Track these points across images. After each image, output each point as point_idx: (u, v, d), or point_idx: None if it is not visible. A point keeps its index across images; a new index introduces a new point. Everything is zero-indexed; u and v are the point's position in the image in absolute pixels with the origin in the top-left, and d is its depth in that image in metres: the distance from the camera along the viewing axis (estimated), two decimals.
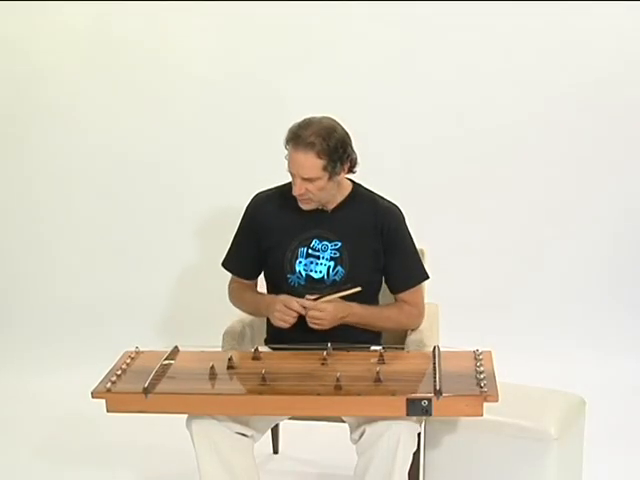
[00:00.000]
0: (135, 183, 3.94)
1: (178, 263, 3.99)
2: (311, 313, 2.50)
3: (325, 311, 2.50)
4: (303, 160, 2.47)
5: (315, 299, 2.53)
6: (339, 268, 2.59)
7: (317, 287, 2.59)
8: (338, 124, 2.54)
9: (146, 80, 3.85)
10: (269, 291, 2.74)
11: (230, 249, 2.77)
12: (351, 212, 2.63)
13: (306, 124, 2.49)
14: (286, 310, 2.51)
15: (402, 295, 2.67)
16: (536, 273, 3.93)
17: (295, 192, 2.53)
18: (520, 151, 3.83)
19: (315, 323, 2.51)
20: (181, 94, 3.85)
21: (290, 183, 2.62)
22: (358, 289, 2.54)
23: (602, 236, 3.89)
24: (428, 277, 2.74)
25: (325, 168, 2.49)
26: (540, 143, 3.81)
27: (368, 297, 2.63)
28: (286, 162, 2.54)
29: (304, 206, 2.58)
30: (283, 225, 2.63)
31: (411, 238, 2.68)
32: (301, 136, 2.46)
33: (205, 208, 3.90)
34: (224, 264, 2.78)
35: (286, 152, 2.54)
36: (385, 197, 2.69)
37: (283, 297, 2.54)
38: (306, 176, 2.49)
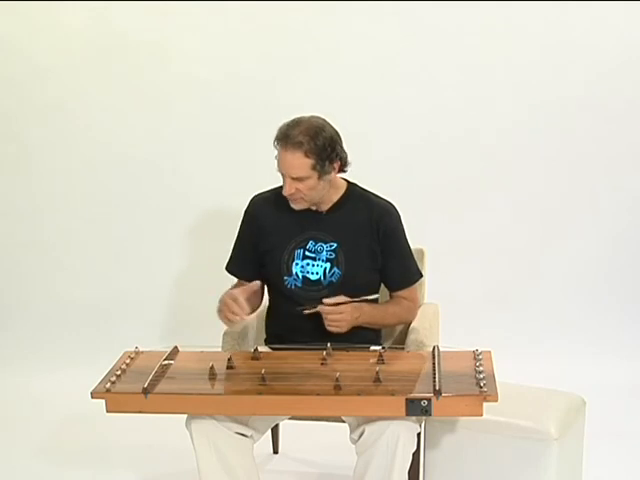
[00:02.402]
0: (135, 183, 3.94)
1: (178, 263, 3.99)
2: (332, 317, 2.49)
3: (345, 312, 2.49)
4: (291, 159, 2.47)
5: (334, 304, 2.50)
6: (335, 269, 2.59)
7: (314, 289, 2.59)
8: (327, 123, 2.54)
9: (146, 80, 3.85)
10: (269, 292, 2.74)
11: (232, 253, 2.76)
12: (346, 212, 2.62)
13: (295, 123, 2.49)
14: (227, 312, 2.46)
15: (400, 292, 2.69)
16: (536, 273, 3.93)
17: (285, 192, 2.53)
18: (520, 151, 3.83)
19: (335, 326, 2.49)
20: (181, 94, 3.84)
21: None
22: (377, 296, 2.55)
23: (602, 236, 3.89)
24: (422, 275, 2.76)
25: (314, 167, 2.49)
26: (540, 143, 3.81)
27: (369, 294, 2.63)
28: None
29: (295, 206, 2.58)
30: (280, 227, 2.63)
31: (406, 236, 2.68)
32: (289, 135, 2.46)
33: (205, 208, 3.90)
34: (228, 268, 2.76)
35: (276, 152, 2.54)
36: (380, 195, 2.69)
37: (226, 297, 2.47)
38: (295, 175, 2.49)
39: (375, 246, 2.62)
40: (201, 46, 3.79)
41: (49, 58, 3.85)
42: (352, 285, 2.57)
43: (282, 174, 2.53)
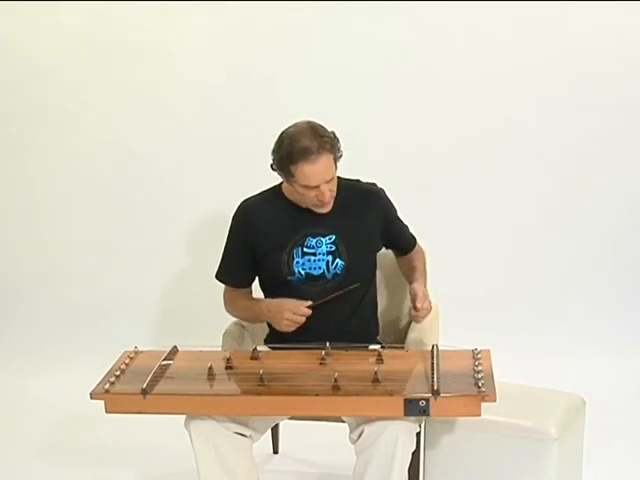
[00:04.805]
0: (135, 183, 3.94)
1: (178, 263, 3.99)
2: (425, 305, 2.51)
3: (428, 298, 2.54)
4: (321, 165, 2.44)
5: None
6: (338, 261, 2.59)
7: (319, 283, 2.59)
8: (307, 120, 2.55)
9: (146, 80, 3.84)
10: (267, 294, 2.72)
11: (223, 260, 2.75)
12: (338, 203, 2.60)
13: (297, 136, 2.45)
14: (296, 317, 2.50)
15: (411, 249, 2.83)
16: (536, 273, 3.93)
17: (326, 200, 2.51)
18: (520, 151, 3.82)
19: (424, 315, 2.53)
20: (181, 94, 3.84)
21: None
22: (357, 285, 2.57)
23: (602, 236, 3.88)
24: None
25: (335, 161, 2.51)
26: (540, 143, 3.81)
27: (369, 281, 2.70)
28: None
29: (325, 209, 2.57)
30: (275, 229, 2.62)
31: (394, 205, 2.77)
32: (307, 147, 2.42)
33: (205, 208, 3.89)
34: (218, 277, 2.76)
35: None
36: (362, 180, 2.73)
37: (290, 305, 2.52)
38: (329, 178, 2.49)
39: (372, 230, 2.66)
40: (201, 46, 3.79)
41: (49, 58, 3.84)
42: (356, 273, 2.59)
43: (312, 187, 2.48)
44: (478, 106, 3.77)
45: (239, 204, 2.72)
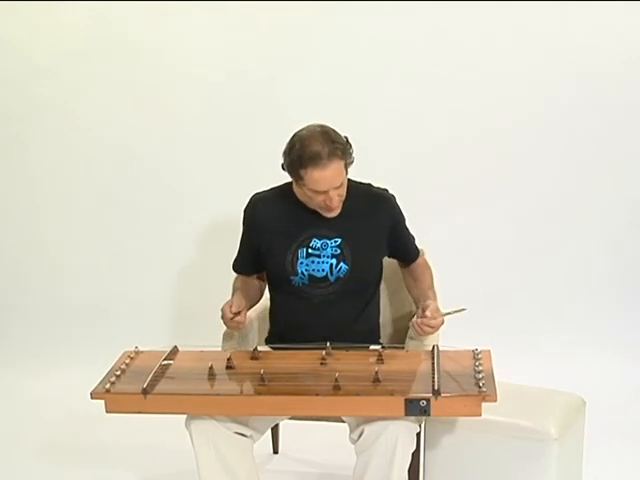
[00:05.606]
0: (135, 183, 3.94)
1: (178, 263, 3.99)
2: (435, 322, 2.46)
3: (438, 318, 2.48)
4: (332, 171, 2.43)
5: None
6: (342, 264, 2.59)
7: (322, 285, 2.59)
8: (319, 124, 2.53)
9: (146, 80, 3.84)
10: (271, 292, 2.75)
11: (239, 252, 2.78)
12: (346, 206, 2.59)
13: (308, 140, 2.43)
14: (227, 322, 2.53)
15: (416, 259, 2.78)
16: (536, 273, 3.93)
17: (334, 205, 2.51)
18: (520, 151, 3.82)
19: (427, 333, 2.48)
20: (181, 94, 3.84)
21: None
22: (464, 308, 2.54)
23: (603, 236, 3.88)
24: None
25: (346, 166, 2.50)
26: (540, 143, 3.81)
27: (374, 285, 2.69)
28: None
29: (334, 213, 2.56)
30: (281, 227, 2.63)
31: (403, 213, 2.75)
32: (318, 153, 2.40)
33: (205, 208, 3.90)
34: (235, 268, 2.79)
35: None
36: (372, 184, 2.71)
37: (223, 310, 2.53)
38: (339, 184, 2.48)
39: (381, 235, 2.65)
40: (201, 46, 3.79)
41: (49, 58, 3.85)
42: (359, 278, 2.59)
43: (320, 192, 2.47)
44: (479, 106, 3.77)
45: (250, 197, 2.72)
